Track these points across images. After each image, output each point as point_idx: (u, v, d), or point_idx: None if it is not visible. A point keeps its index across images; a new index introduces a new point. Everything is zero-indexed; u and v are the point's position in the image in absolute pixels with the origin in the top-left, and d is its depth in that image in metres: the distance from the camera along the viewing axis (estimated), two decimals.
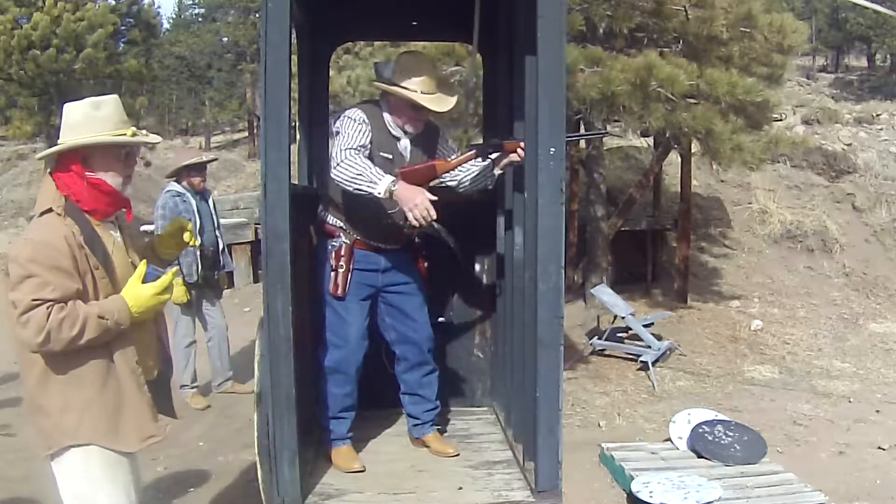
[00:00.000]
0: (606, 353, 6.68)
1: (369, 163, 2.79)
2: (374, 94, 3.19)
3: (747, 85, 5.98)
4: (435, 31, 4.11)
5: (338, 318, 3.01)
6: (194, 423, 5.04)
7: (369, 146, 2.93)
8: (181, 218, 2.87)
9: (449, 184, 3.13)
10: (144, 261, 2.28)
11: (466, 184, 3.13)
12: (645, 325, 6.69)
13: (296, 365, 2.62)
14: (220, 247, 5.44)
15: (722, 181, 10.14)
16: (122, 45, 15.38)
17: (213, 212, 5.38)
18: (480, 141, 3.86)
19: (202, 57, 21.52)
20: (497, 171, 3.07)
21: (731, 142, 5.98)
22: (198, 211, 5.17)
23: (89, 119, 2.20)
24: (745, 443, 4.41)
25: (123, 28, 15.05)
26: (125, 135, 2.22)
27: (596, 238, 7.83)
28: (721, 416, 4.75)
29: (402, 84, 2.95)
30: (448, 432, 3.35)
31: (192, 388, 5.40)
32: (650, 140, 8.29)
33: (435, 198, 2.74)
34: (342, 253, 3.02)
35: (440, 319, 3.52)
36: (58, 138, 2.27)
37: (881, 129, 11.24)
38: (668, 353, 6.59)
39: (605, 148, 8.45)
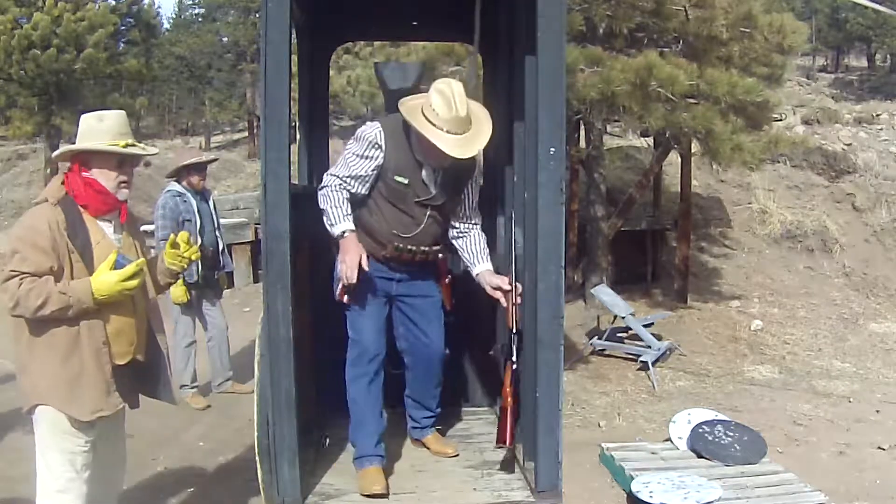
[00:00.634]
0: (606, 353, 6.67)
1: (344, 201, 2.75)
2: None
3: (747, 85, 5.98)
4: (435, 31, 4.11)
5: (352, 314, 2.90)
6: (194, 423, 5.04)
7: (370, 175, 2.80)
8: (182, 232, 2.87)
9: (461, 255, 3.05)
10: (115, 251, 2.51)
11: (461, 248, 3.03)
12: (645, 325, 6.69)
13: (296, 365, 2.63)
14: (220, 247, 5.44)
15: (722, 181, 10.14)
16: (122, 45, 15.36)
17: (213, 212, 5.38)
18: None
19: (202, 57, 21.48)
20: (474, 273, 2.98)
21: (731, 142, 5.99)
22: (198, 211, 5.17)
23: (92, 129, 2.56)
24: (745, 443, 4.41)
25: (124, 28, 15.03)
26: (118, 145, 2.54)
27: (596, 238, 7.83)
28: (721, 416, 4.75)
29: (428, 115, 2.69)
30: (448, 432, 3.34)
31: (192, 387, 5.39)
32: (650, 140, 8.30)
33: (363, 265, 2.69)
34: None
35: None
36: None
37: (881, 129, 11.24)
38: (668, 353, 6.59)
39: (605, 148, 8.45)
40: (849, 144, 10.72)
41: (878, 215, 9.79)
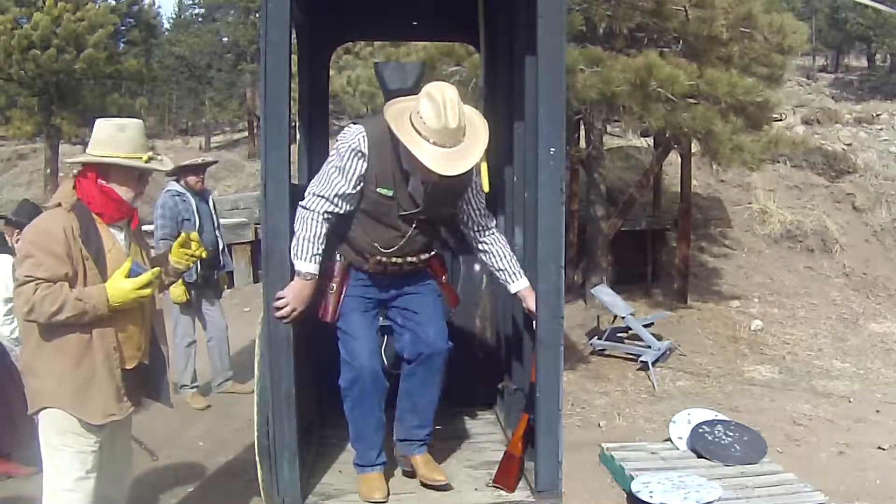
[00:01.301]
0: (606, 353, 6.67)
1: (319, 237, 2.55)
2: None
3: (747, 85, 5.98)
4: (435, 31, 4.12)
5: (342, 336, 2.71)
6: (194, 423, 5.04)
7: (356, 191, 2.57)
8: (189, 231, 2.90)
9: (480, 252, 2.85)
10: (130, 258, 2.53)
11: (486, 261, 2.85)
12: (645, 325, 6.69)
13: (296, 365, 2.63)
14: (221, 247, 5.44)
15: (722, 181, 10.14)
16: (122, 45, 15.37)
17: (212, 212, 5.38)
18: None
19: (202, 57, 21.49)
20: (512, 291, 2.80)
21: (731, 142, 5.99)
22: (197, 211, 5.17)
23: (113, 139, 2.54)
24: (745, 443, 4.41)
25: (123, 28, 15.06)
26: (140, 158, 2.54)
27: (596, 238, 7.83)
28: (721, 416, 4.75)
29: (415, 123, 2.43)
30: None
31: (192, 387, 5.39)
32: (650, 140, 8.29)
33: (299, 311, 2.55)
34: (335, 272, 2.69)
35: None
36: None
37: (881, 129, 11.23)
38: (668, 353, 6.59)
39: (605, 148, 8.45)
40: (849, 144, 10.72)
41: (878, 215, 9.79)
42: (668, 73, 5.63)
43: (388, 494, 2.74)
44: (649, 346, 6.40)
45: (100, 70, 13.24)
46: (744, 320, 7.68)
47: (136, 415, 2.80)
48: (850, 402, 5.86)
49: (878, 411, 5.61)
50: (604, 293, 6.86)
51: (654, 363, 6.26)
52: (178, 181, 5.22)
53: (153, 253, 2.99)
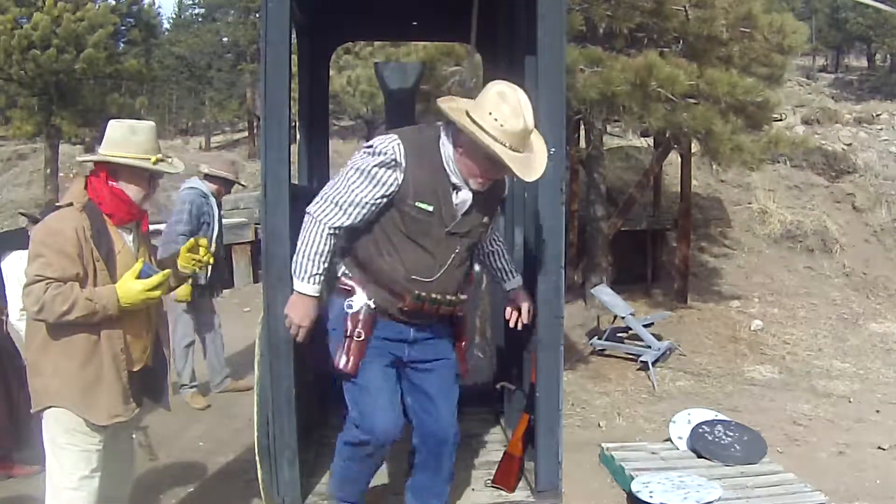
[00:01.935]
0: (606, 353, 6.67)
1: (325, 254, 2.36)
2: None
3: (747, 85, 5.98)
4: (435, 31, 4.12)
5: (353, 387, 2.45)
6: (194, 423, 5.04)
7: (377, 203, 2.31)
8: (202, 238, 2.90)
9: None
10: (141, 259, 2.54)
11: (486, 261, 2.76)
12: (645, 325, 6.69)
13: (296, 365, 2.63)
14: (223, 253, 5.50)
15: (722, 181, 10.15)
16: (122, 45, 15.36)
17: (221, 217, 5.45)
18: None
19: (202, 57, 21.51)
20: (507, 288, 2.74)
21: (730, 142, 5.99)
22: (216, 216, 5.22)
23: (126, 140, 2.55)
24: (745, 443, 4.40)
25: (123, 28, 15.03)
26: (150, 160, 2.55)
27: (596, 238, 7.83)
28: (721, 416, 4.75)
29: (483, 123, 2.19)
30: None
31: (192, 387, 5.40)
32: (650, 140, 8.30)
33: (306, 328, 2.44)
34: (360, 318, 2.42)
35: None
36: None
37: (881, 129, 11.24)
38: (668, 353, 6.59)
39: (605, 148, 8.46)
40: (849, 144, 10.73)
41: (878, 215, 9.79)
42: (668, 73, 5.63)
43: None
44: (649, 346, 6.40)
45: (100, 70, 13.23)
46: (744, 320, 7.68)
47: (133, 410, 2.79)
48: (850, 401, 5.86)
49: (878, 411, 5.61)
50: (604, 293, 6.86)
51: (654, 363, 6.26)
52: (204, 180, 5.23)
53: (159, 255, 3.00)
